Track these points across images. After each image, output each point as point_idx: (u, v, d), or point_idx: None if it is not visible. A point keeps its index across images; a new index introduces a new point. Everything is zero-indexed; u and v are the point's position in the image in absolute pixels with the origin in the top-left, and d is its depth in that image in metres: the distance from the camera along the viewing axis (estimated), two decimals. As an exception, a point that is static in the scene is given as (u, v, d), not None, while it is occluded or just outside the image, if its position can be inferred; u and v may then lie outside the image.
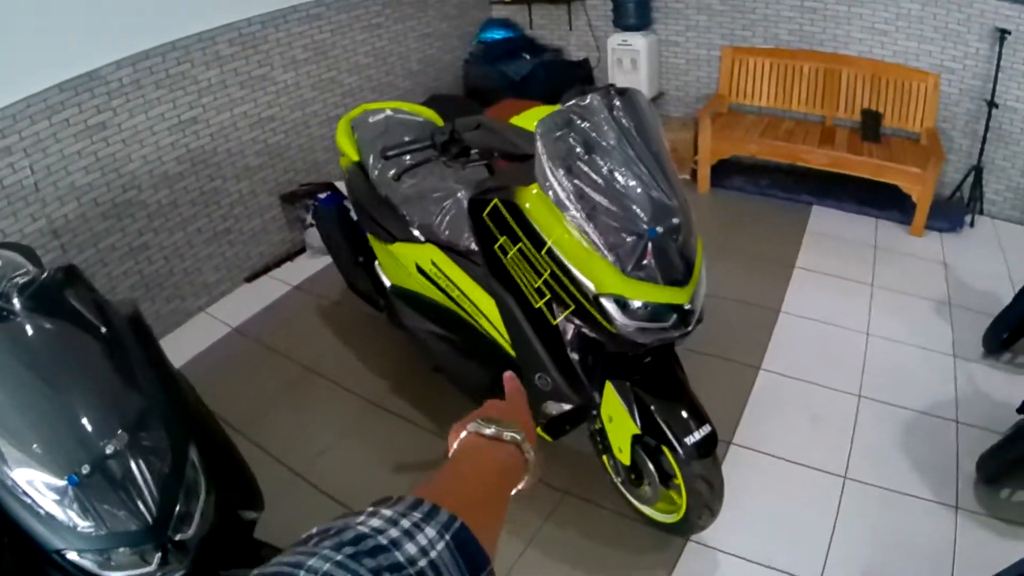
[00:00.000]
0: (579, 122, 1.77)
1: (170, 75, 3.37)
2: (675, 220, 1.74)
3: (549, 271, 1.80)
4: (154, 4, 3.23)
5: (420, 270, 2.55)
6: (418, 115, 2.97)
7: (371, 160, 2.81)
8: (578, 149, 1.75)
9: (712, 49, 4.45)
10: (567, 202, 1.73)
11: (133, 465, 1.55)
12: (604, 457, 2.30)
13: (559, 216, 1.75)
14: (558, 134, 1.76)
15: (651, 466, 2.02)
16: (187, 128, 3.48)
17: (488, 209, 1.93)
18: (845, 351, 3.05)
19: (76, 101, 3.11)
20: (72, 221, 3.20)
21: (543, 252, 1.79)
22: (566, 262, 1.75)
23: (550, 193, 1.75)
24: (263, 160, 3.81)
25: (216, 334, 3.60)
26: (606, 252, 1.71)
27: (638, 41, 4.35)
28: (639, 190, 1.72)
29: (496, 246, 1.94)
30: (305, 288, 3.80)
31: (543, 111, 1.89)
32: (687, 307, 1.75)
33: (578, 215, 1.72)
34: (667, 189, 1.76)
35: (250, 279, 3.96)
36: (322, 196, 3.15)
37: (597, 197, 1.71)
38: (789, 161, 3.94)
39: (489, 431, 0.74)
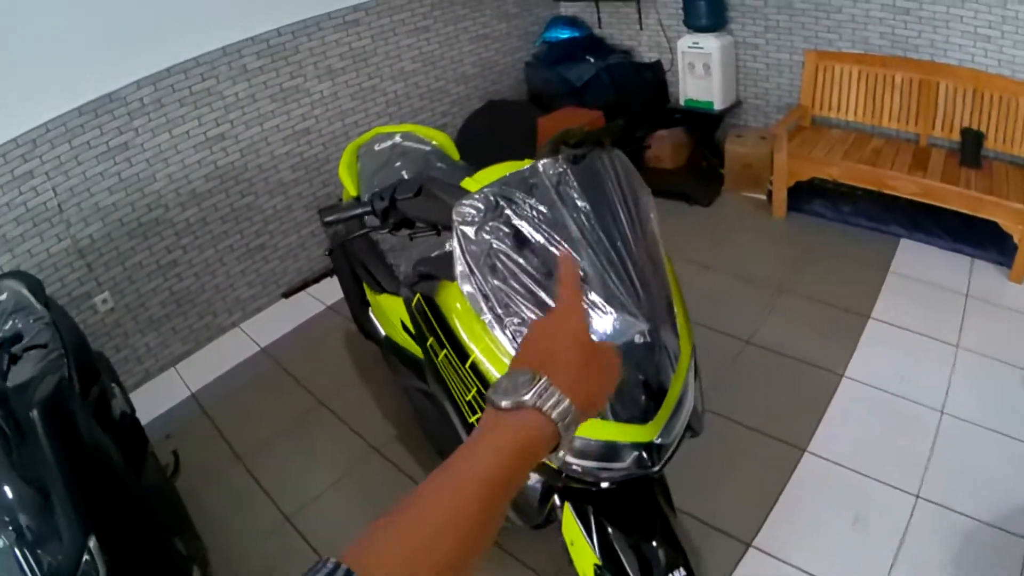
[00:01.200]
0: (513, 203, 1.45)
1: (194, 92, 3.29)
2: (637, 339, 1.38)
3: (476, 389, 1.51)
4: (174, 21, 3.20)
5: (404, 327, 2.29)
6: (428, 142, 2.71)
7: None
8: (507, 241, 1.43)
9: (794, 53, 3.92)
10: (487, 310, 1.43)
11: (22, 559, 1.51)
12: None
13: (484, 325, 1.45)
14: (481, 219, 1.45)
15: None
16: (214, 145, 3.41)
17: (415, 300, 1.64)
18: (911, 433, 2.61)
19: (96, 123, 3.12)
20: (97, 241, 3.22)
21: (467, 366, 1.50)
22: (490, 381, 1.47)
23: (469, 297, 1.46)
24: (299, 175, 3.68)
25: (244, 353, 3.58)
26: None
27: (711, 43, 3.89)
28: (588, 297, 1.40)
29: (428, 344, 1.65)
30: (337, 308, 3.71)
31: (504, 171, 1.58)
32: (657, 441, 1.39)
33: (500, 334, 1.42)
34: (631, 295, 1.40)
35: (287, 295, 3.89)
36: (334, 228, 2.96)
37: (526, 308, 1.39)
38: (875, 188, 3.39)
39: (506, 402, 0.61)
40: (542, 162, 1.51)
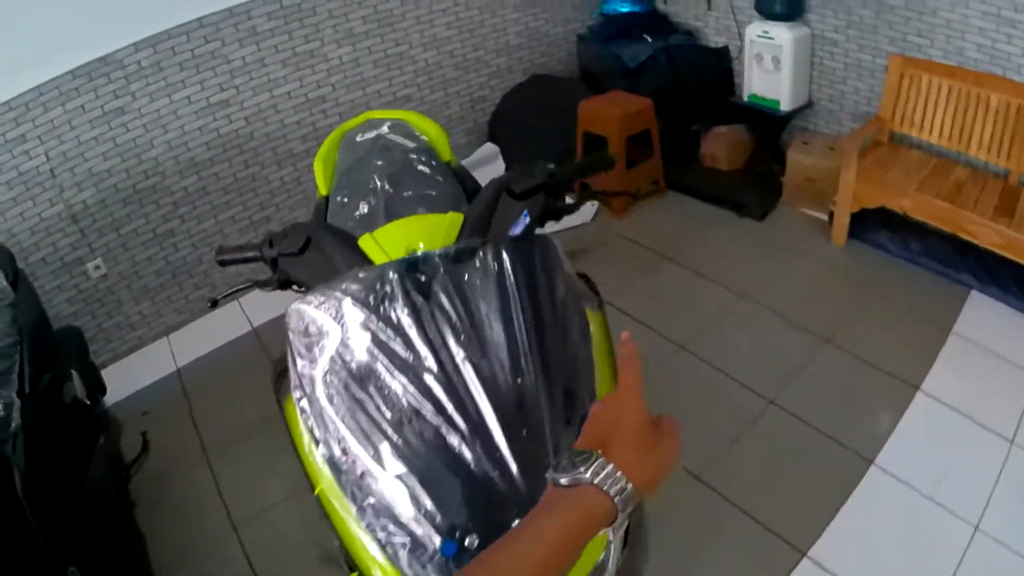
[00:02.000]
0: (358, 312, 1.16)
1: (196, 55, 3.11)
2: (516, 520, 1.06)
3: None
4: None
5: None
6: (418, 136, 2.31)
7: (336, 200, 2.12)
8: (351, 365, 1.15)
9: (878, 55, 3.38)
10: (317, 439, 1.16)
11: None
12: None
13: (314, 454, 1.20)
14: (315, 330, 1.18)
15: None
16: (217, 111, 3.22)
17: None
18: (933, 548, 2.21)
19: (91, 87, 2.99)
20: (91, 207, 3.14)
21: (315, 493, 1.22)
22: (334, 524, 1.17)
23: (302, 419, 1.18)
24: (310, 145, 3.46)
25: (237, 330, 3.49)
26: (373, 549, 1.09)
27: (783, 34, 3.40)
28: (442, 459, 1.08)
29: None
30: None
31: (401, 232, 1.32)
32: None
33: (330, 476, 1.15)
34: (500, 473, 1.08)
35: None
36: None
37: (366, 461, 1.10)
38: (950, 230, 2.95)
39: (565, 479, 0.67)
40: (386, 269, 1.21)
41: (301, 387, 1.19)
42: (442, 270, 1.20)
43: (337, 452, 1.14)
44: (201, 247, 3.45)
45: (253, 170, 3.42)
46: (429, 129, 2.37)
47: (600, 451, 0.69)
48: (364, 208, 1.87)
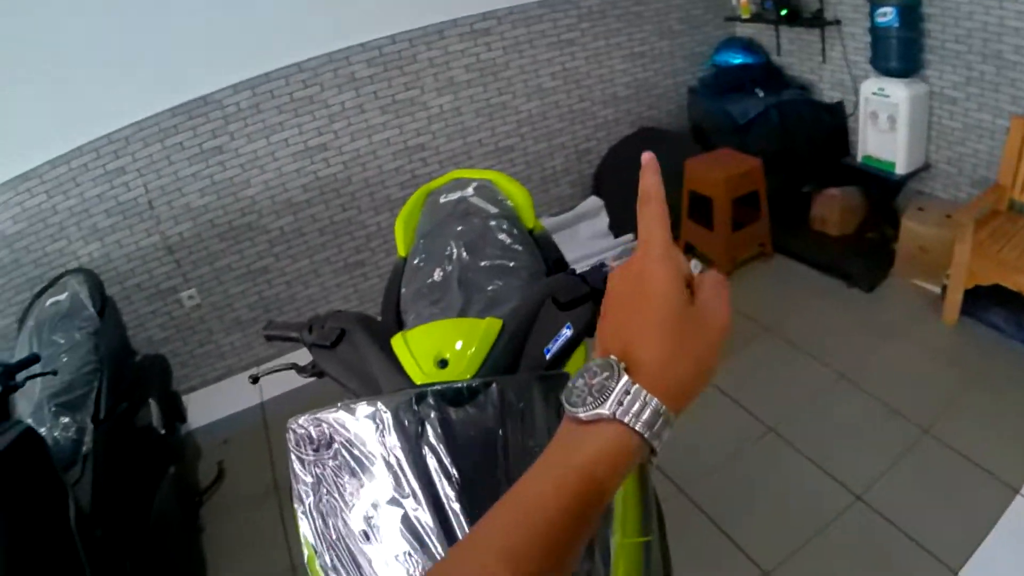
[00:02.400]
0: (342, 440, 1.01)
1: (295, 99, 2.89)
2: None
3: None
4: (276, 25, 2.81)
5: None
6: (501, 200, 1.98)
7: (412, 263, 1.83)
8: (344, 486, 1.00)
9: (999, 115, 2.76)
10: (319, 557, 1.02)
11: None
12: None
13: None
14: (314, 452, 1.02)
15: None
16: (315, 155, 2.99)
17: None
18: None
19: (190, 125, 2.85)
20: (187, 239, 2.99)
21: None
22: None
23: (302, 527, 1.05)
24: (408, 192, 3.17)
25: None
26: None
27: (899, 92, 2.85)
28: None
29: None
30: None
31: (435, 335, 1.14)
32: None
33: None
34: None
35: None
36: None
37: None
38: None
39: (583, 412, 0.44)
40: (432, 389, 0.99)
41: (301, 500, 1.04)
42: (433, 413, 0.98)
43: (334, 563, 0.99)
44: (295, 285, 3.23)
45: (350, 214, 3.18)
46: (515, 193, 2.04)
47: (620, 356, 0.45)
48: (438, 275, 1.63)
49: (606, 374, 0.44)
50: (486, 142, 3.26)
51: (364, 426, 0.98)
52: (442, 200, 1.98)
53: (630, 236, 3.25)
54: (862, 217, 3.19)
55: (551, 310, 1.12)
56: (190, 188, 2.92)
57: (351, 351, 1.17)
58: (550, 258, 1.79)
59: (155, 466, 2.37)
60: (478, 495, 0.92)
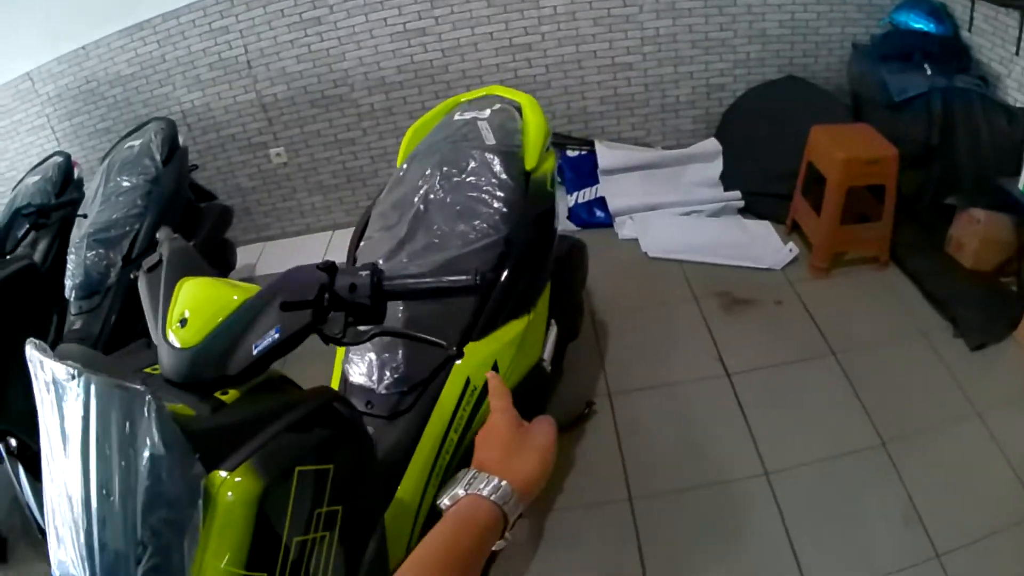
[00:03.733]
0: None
1: None
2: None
3: None
4: None
5: None
6: (514, 131, 2.00)
7: (389, 189, 2.03)
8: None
9: None
10: None
11: None
12: None
13: None
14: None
15: None
16: (413, 38, 3.09)
17: None
18: None
19: None
20: (280, 101, 3.26)
21: None
22: None
23: None
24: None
25: None
26: None
27: None
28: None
29: None
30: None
31: (199, 292, 1.14)
32: None
33: None
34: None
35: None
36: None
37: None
38: None
39: (446, 499, 0.75)
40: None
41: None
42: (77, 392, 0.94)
43: None
44: (379, 161, 3.44)
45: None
46: (531, 126, 2.04)
47: (491, 461, 0.76)
48: (404, 198, 1.87)
49: (467, 473, 0.74)
50: (602, 54, 3.13)
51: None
52: (456, 117, 2.07)
53: (737, 193, 3.14)
54: (1006, 255, 2.76)
55: (274, 307, 1.11)
56: (287, 53, 3.12)
57: (155, 284, 1.21)
58: (535, 209, 1.87)
59: None
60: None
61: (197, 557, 0.92)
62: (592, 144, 3.22)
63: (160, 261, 1.30)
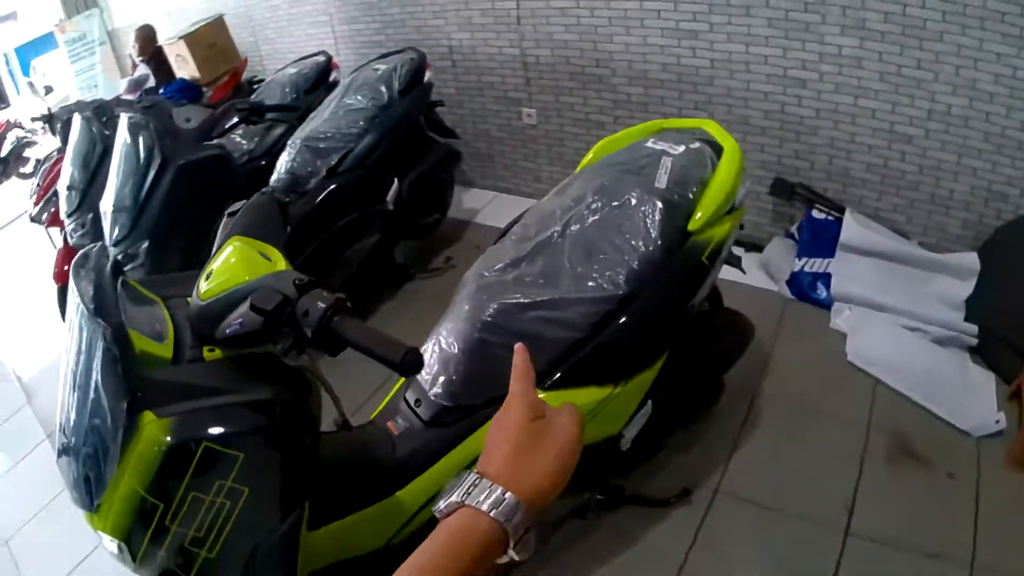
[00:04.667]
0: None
1: None
2: (66, 444, 1.41)
3: None
4: None
5: None
6: (691, 180, 1.94)
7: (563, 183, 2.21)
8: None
9: None
10: None
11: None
12: None
13: None
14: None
15: None
16: (683, 39, 3.08)
17: None
18: None
19: None
20: (542, 64, 3.53)
21: None
22: None
23: None
24: (770, 126, 3.03)
25: None
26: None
27: None
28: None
29: None
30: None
31: (247, 255, 1.48)
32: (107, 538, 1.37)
33: None
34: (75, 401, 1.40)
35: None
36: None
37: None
38: None
39: (441, 505, 0.67)
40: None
41: None
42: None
43: None
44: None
45: (699, 116, 3.14)
46: (719, 181, 1.92)
47: (481, 469, 0.68)
48: (550, 210, 2.00)
49: (463, 477, 0.67)
50: (881, 116, 2.71)
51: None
52: (648, 144, 2.09)
53: (974, 328, 2.62)
54: None
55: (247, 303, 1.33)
56: (557, 20, 3.29)
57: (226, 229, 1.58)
58: (673, 277, 1.83)
59: (366, 228, 3.17)
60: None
61: (120, 464, 1.27)
62: (842, 212, 2.90)
63: (237, 210, 1.59)
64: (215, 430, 1.32)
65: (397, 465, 1.77)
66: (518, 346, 0.78)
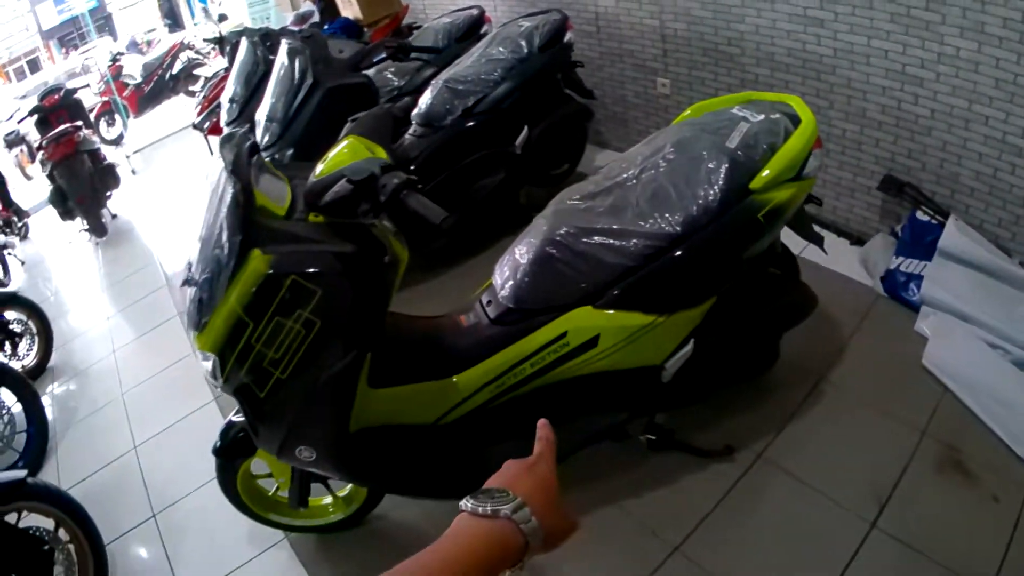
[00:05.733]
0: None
1: None
2: (191, 274, 2.04)
3: None
4: None
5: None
6: (765, 145, 2.30)
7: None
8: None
9: None
10: None
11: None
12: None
13: None
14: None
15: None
16: (808, 26, 3.44)
17: None
18: None
19: None
20: (679, 38, 4.02)
21: None
22: None
23: None
24: (886, 121, 3.33)
25: None
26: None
27: None
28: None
29: None
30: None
31: (356, 148, 2.04)
32: (205, 354, 1.99)
33: None
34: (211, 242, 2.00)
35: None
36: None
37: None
38: None
39: (483, 508, 0.81)
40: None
41: None
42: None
43: None
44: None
45: (821, 104, 3.49)
46: (788, 149, 2.28)
47: (516, 488, 0.85)
48: (613, 171, 2.47)
49: (504, 494, 0.83)
50: (994, 124, 2.90)
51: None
52: (733, 110, 2.48)
53: None
54: None
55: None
56: None
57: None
58: (726, 227, 2.21)
59: (492, 168, 3.80)
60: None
61: (228, 288, 1.89)
62: (946, 217, 3.18)
63: (358, 117, 2.21)
64: (303, 268, 1.91)
65: (459, 352, 2.32)
66: (542, 421, 0.98)
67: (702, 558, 2.42)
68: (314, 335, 1.95)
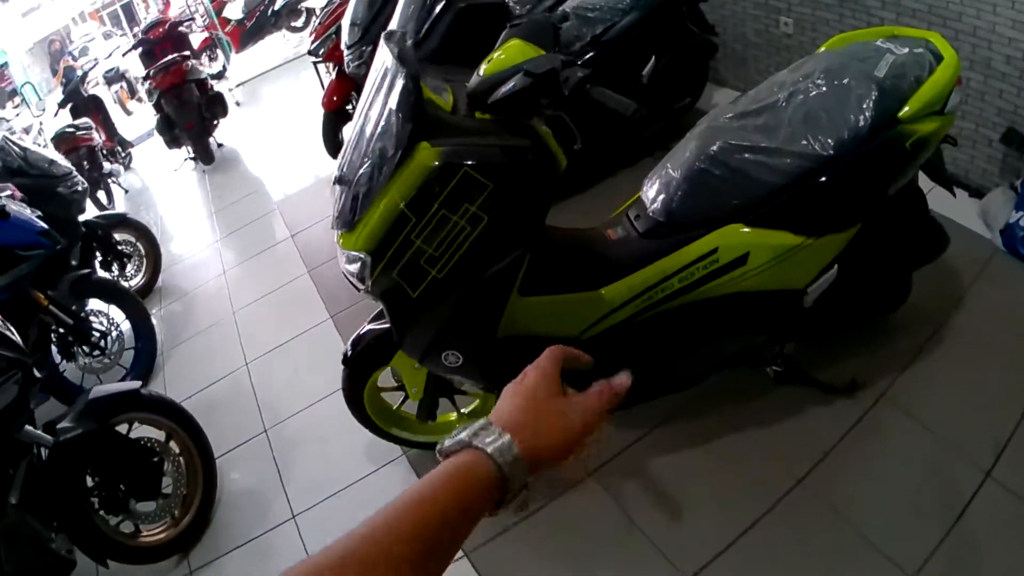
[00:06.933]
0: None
1: None
2: (344, 172, 2.21)
3: None
4: None
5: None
6: (913, 77, 2.42)
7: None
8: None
9: None
10: None
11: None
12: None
13: None
14: None
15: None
16: None
17: None
18: None
19: None
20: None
21: None
22: None
23: None
24: (1012, 72, 3.33)
25: None
26: None
27: None
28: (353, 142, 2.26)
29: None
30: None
31: (522, 49, 2.20)
32: (354, 254, 2.14)
33: None
34: (362, 143, 2.18)
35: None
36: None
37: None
38: None
39: (448, 442, 0.81)
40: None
41: None
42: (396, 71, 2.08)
43: None
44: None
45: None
46: (935, 81, 2.39)
47: (495, 420, 0.83)
48: (763, 94, 2.63)
49: (484, 429, 0.82)
50: None
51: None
52: (877, 43, 2.62)
53: None
54: None
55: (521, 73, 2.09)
56: None
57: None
58: (872, 155, 2.35)
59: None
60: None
61: (388, 184, 2.05)
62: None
63: (517, 24, 2.57)
64: (476, 160, 2.04)
65: (608, 264, 2.52)
66: (553, 348, 0.94)
67: (824, 492, 2.62)
68: (479, 232, 2.08)
